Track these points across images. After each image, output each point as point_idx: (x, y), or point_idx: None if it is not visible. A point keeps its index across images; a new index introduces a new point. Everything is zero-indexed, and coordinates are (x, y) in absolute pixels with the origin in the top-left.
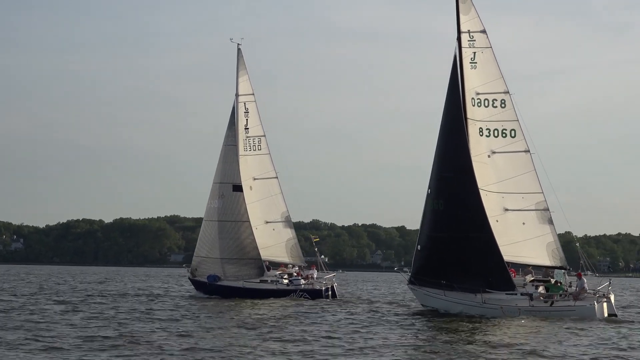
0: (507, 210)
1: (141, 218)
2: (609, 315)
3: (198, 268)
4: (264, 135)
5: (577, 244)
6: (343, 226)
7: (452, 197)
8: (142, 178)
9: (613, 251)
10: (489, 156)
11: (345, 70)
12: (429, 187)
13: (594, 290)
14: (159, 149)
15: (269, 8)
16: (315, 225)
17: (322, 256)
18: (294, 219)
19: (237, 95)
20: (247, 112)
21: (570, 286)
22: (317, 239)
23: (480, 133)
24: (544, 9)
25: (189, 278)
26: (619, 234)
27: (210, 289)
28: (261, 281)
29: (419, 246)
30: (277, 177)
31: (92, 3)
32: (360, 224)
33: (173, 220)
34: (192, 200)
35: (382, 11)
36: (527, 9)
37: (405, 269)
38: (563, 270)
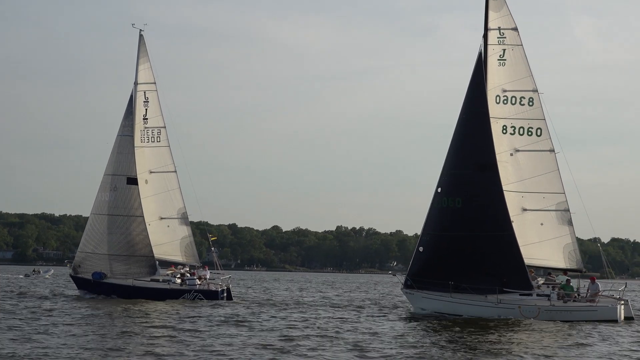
0: (525, 210)
1: None
2: (626, 318)
3: (82, 264)
4: (164, 127)
5: (599, 246)
6: None
7: (472, 194)
8: None
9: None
10: (511, 154)
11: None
12: (439, 185)
13: (609, 293)
14: None
15: None
16: None
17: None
18: None
19: (136, 83)
20: (146, 101)
21: (578, 289)
22: (215, 238)
23: (504, 131)
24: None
25: (71, 275)
26: None
27: (95, 287)
28: (152, 280)
29: (420, 247)
30: (175, 172)
31: None
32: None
33: None
34: (14, 195)
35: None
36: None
37: (397, 273)
38: (566, 277)
